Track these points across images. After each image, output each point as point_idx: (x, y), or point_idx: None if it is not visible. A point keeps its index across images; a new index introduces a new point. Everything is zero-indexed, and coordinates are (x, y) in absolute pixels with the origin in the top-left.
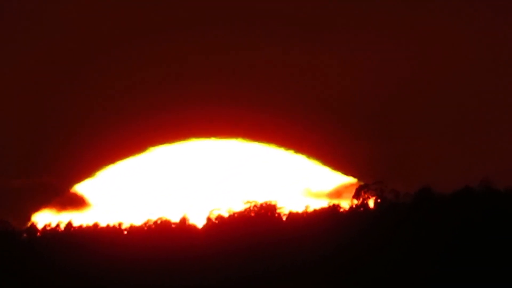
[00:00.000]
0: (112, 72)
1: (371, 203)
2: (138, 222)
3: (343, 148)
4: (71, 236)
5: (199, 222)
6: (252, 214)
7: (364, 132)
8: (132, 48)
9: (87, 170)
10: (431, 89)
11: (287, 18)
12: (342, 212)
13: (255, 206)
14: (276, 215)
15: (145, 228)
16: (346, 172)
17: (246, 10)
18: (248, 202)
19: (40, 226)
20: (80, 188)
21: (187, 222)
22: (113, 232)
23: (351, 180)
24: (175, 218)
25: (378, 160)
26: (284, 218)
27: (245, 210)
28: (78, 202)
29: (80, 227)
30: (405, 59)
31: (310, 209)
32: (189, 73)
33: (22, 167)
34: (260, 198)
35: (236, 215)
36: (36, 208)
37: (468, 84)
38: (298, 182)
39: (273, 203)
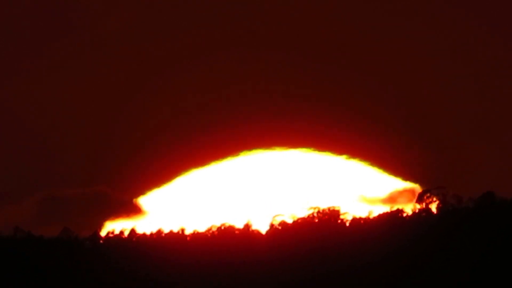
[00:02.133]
0: (184, 85)
1: (433, 207)
2: (201, 228)
3: (400, 154)
4: (134, 243)
5: (262, 228)
6: (316, 220)
7: (423, 138)
8: (207, 63)
9: (152, 181)
10: (491, 93)
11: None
12: (405, 217)
13: (318, 212)
14: (340, 220)
15: (209, 235)
16: (404, 177)
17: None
18: (311, 208)
19: (103, 233)
20: (145, 198)
21: (250, 228)
22: (177, 239)
23: (406, 185)
24: (238, 224)
25: (437, 166)
26: (347, 224)
27: (309, 216)
28: (141, 211)
29: (144, 234)
30: (462, 65)
31: (374, 215)
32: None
33: (88, 176)
34: (321, 204)
35: (299, 221)
36: (101, 217)
37: None
38: (355, 188)
39: (336, 208)
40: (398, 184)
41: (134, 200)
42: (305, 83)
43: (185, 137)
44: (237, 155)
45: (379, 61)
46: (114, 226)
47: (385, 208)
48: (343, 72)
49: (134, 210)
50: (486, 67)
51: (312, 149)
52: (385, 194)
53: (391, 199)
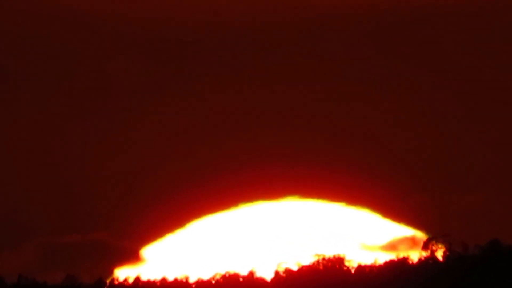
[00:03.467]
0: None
1: (439, 255)
2: (205, 276)
3: (401, 200)
4: None
5: (267, 275)
6: (321, 268)
7: (424, 183)
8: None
9: (153, 231)
10: (492, 139)
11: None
12: (411, 264)
13: (323, 259)
14: (345, 268)
15: (213, 282)
16: (405, 224)
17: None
18: (317, 255)
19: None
20: (150, 250)
21: (255, 275)
22: (181, 286)
23: (406, 232)
24: (243, 272)
25: (440, 212)
26: (352, 271)
27: (314, 263)
28: (143, 259)
29: (148, 281)
30: (462, 105)
31: (379, 262)
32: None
33: (86, 223)
34: (325, 251)
35: (304, 268)
36: (103, 264)
37: None
38: (355, 235)
39: (341, 256)
40: (398, 230)
41: (135, 247)
42: (301, 127)
43: (182, 190)
44: (236, 206)
45: (376, 101)
46: (118, 274)
47: (390, 256)
48: (338, 115)
49: (135, 257)
50: (487, 107)
51: (310, 197)
52: (385, 241)
53: (392, 246)
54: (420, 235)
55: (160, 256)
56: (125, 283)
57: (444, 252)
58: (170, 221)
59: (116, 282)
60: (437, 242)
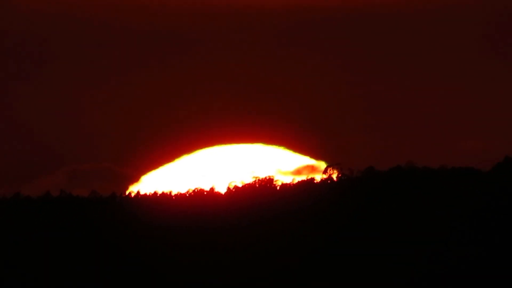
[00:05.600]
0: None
1: (334, 176)
2: (182, 191)
3: (306, 139)
4: (139, 200)
5: (222, 190)
6: (257, 185)
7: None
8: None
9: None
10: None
11: None
12: (315, 182)
13: (259, 179)
14: (273, 185)
15: (187, 195)
16: (310, 155)
17: None
18: (254, 177)
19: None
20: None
21: (214, 190)
22: (165, 198)
23: (309, 162)
24: (206, 188)
25: (331, 148)
26: (278, 188)
27: (252, 182)
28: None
29: (145, 194)
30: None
31: (295, 181)
32: None
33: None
34: (260, 174)
35: (246, 185)
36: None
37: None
38: (278, 164)
39: (271, 177)
40: (304, 161)
41: (136, 173)
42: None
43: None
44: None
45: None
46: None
47: (301, 177)
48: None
49: (136, 180)
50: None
51: (253, 142)
52: (295, 167)
53: (298, 171)
54: (319, 164)
55: (154, 179)
56: (129, 195)
57: (337, 175)
58: (164, 155)
59: (123, 195)
60: (333, 168)
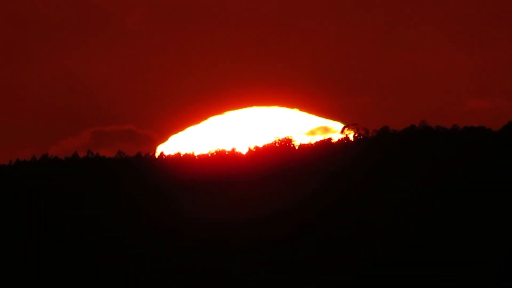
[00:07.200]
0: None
1: (351, 136)
2: (205, 152)
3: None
4: (165, 160)
5: (243, 151)
6: (277, 145)
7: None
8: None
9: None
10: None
11: None
12: (333, 142)
13: (279, 140)
14: (292, 145)
15: (209, 155)
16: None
17: None
18: (275, 137)
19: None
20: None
21: (235, 151)
22: (188, 158)
23: (322, 123)
24: (228, 149)
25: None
26: (296, 148)
27: (273, 142)
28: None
29: (169, 155)
30: None
31: (313, 141)
32: None
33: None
34: (278, 135)
35: (267, 146)
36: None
37: None
38: (294, 127)
39: (289, 137)
40: (317, 122)
41: (156, 136)
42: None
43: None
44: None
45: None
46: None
47: (319, 137)
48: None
49: (162, 141)
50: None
51: (269, 105)
52: (308, 129)
53: (312, 132)
54: (335, 124)
55: (178, 140)
56: (153, 155)
57: (354, 135)
58: (187, 119)
59: (150, 154)
60: (349, 128)
